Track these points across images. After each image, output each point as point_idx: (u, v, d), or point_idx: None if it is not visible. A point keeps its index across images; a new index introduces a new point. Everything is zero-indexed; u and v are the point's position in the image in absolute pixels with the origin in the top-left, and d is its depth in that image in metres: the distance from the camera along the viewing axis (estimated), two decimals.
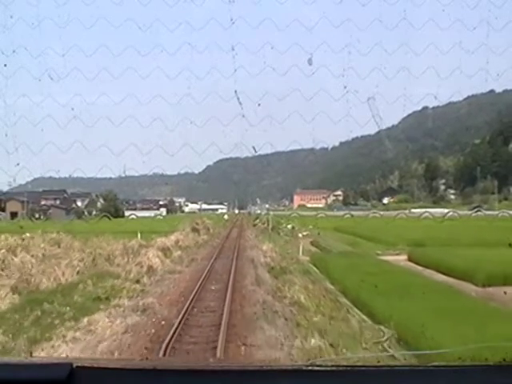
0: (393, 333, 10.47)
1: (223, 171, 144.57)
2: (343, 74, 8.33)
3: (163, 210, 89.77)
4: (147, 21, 9.23)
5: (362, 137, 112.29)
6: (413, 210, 62.06)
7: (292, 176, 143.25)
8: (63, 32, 9.27)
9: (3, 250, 22.37)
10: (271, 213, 56.18)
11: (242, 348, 10.85)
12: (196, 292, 17.02)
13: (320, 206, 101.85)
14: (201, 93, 10.02)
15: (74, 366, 1.86)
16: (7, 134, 9.00)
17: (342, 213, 57.26)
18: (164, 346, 10.69)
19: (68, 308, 14.61)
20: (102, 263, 23.25)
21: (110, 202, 72.32)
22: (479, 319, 10.69)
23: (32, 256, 21.77)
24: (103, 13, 9.25)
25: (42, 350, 10.76)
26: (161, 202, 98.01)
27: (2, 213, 60.63)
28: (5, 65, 8.12)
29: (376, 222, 46.66)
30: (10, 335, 11.64)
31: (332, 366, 1.97)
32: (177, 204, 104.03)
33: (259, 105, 8.64)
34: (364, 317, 13.08)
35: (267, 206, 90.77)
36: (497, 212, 54.42)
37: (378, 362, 2.59)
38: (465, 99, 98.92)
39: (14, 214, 54.41)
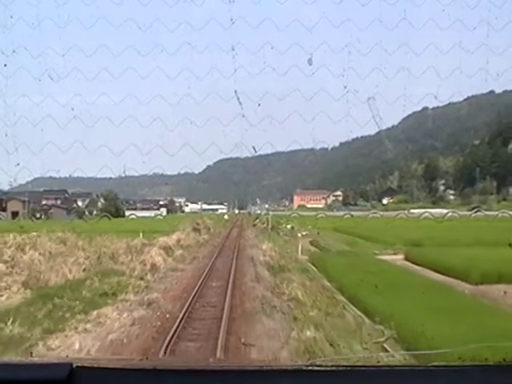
0: (385, 327, 10.72)
1: (223, 171, 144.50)
2: (343, 74, 8.31)
3: (163, 210, 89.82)
4: (147, 21, 9.21)
5: (361, 137, 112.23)
6: (412, 211, 62.24)
7: (292, 176, 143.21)
8: (63, 32, 9.26)
9: (12, 248, 23.11)
10: (271, 213, 56.26)
11: (243, 339, 11.34)
12: (198, 288, 17.54)
13: (320, 206, 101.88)
14: (201, 93, 9.99)
15: (74, 366, 1.86)
16: (7, 133, 8.98)
17: (341, 213, 57.32)
18: (169, 336, 11.14)
19: (77, 302, 15.12)
20: (106, 261, 23.82)
21: (111, 202, 72.35)
22: (467, 314, 11.08)
23: (39, 254, 22.34)
24: (103, 13, 9.23)
25: (57, 338, 11.43)
26: (161, 202, 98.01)
27: (3, 213, 60.64)
28: (5, 65, 8.08)
29: (376, 223, 46.76)
30: (26, 326, 12.17)
31: (332, 365, 1.98)
32: (177, 204, 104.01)
33: (259, 105, 8.62)
34: (359, 313, 13.35)
35: (267, 206, 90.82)
36: (496, 212, 54.50)
37: (378, 362, 2.64)
38: (465, 100, 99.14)
39: (15, 214, 54.48)
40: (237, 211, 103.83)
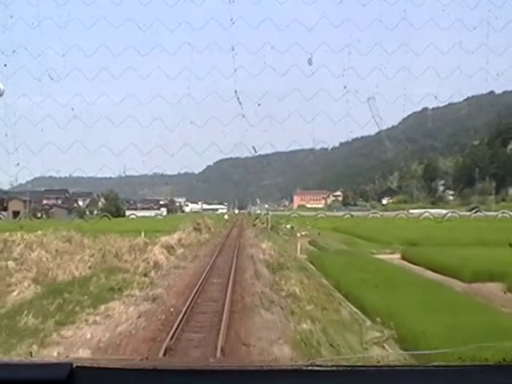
0: (378, 321, 11.01)
1: (223, 171, 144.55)
2: (343, 74, 8.26)
3: (164, 210, 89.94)
4: (147, 21, 9.16)
5: (361, 137, 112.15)
6: (411, 211, 62.36)
7: (292, 176, 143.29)
8: (63, 32, 9.20)
9: (21, 246, 23.56)
10: (271, 213, 56.39)
11: (243, 330, 11.95)
12: (200, 285, 18.09)
13: (320, 206, 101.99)
14: (201, 93, 9.93)
15: (74, 366, 1.86)
16: (7, 133, 9.02)
17: (341, 213, 57.42)
18: (174, 328, 11.67)
19: (86, 297, 15.73)
20: (111, 259, 24.43)
21: (112, 202, 72.41)
22: (457, 310, 11.41)
23: (46, 252, 22.96)
24: (103, 13, 9.17)
25: (69, 329, 12.14)
26: (161, 202, 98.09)
27: (4, 212, 60.71)
28: (5, 65, 8.00)
29: (375, 223, 46.88)
30: (40, 318, 12.78)
31: (332, 365, 1.98)
32: (177, 204, 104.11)
33: (259, 105, 8.58)
34: (354, 309, 13.62)
35: (267, 206, 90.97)
36: (496, 213, 54.57)
37: (378, 362, 2.62)
38: (465, 100, 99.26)
39: (16, 213, 54.52)
40: (237, 211, 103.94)
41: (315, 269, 22.26)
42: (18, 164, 9.46)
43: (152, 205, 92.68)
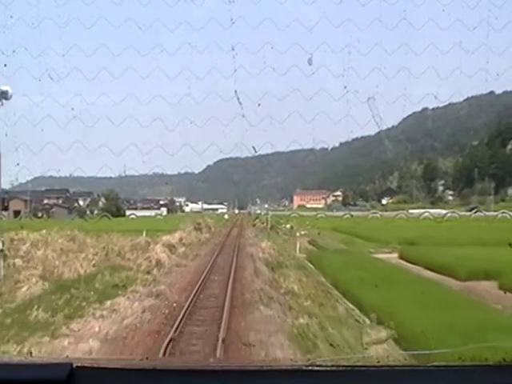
0: (373, 317, 11.29)
1: (223, 171, 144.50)
2: (343, 74, 8.38)
3: (164, 210, 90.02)
4: (147, 21, 9.26)
5: (361, 137, 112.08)
6: (410, 211, 62.49)
7: (292, 176, 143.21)
8: (63, 32, 9.30)
9: (27, 245, 23.98)
10: (270, 213, 56.52)
11: (242, 323, 12.49)
12: (201, 282, 18.65)
13: (319, 206, 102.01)
14: (201, 93, 10.11)
15: (74, 365, 1.86)
16: (7, 133, 9.14)
17: (341, 213, 57.52)
18: (177, 321, 12.20)
19: (92, 293, 16.30)
20: (114, 257, 25.07)
21: (112, 202, 72.48)
22: (451, 306, 11.66)
23: (52, 250, 23.45)
24: (103, 13, 9.27)
25: (78, 323, 12.61)
26: (161, 202, 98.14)
27: (4, 212, 60.70)
28: (5, 65, 8.12)
29: (376, 223, 47.03)
30: (50, 312, 13.37)
31: (332, 365, 1.98)
32: (177, 204, 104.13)
33: (259, 105, 8.71)
34: (351, 305, 13.90)
35: (267, 206, 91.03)
36: (496, 213, 54.67)
37: (378, 362, 2.62)
38: (465, 100, 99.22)
39: (17, 213, 54.64)
40: (237, 211, 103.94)
41: (314, 267, 22.51)
42: (18, 164, 9.62)
43: (152, 204, 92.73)
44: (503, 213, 52.04)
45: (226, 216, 78.35)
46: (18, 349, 9.96)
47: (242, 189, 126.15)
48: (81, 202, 77.86)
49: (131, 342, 10.97)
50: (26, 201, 56.81)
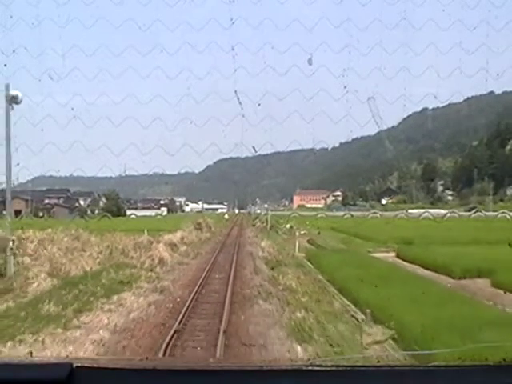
0: (369, 312, 11.62)
1: (223, 171, 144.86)
2: (343, 74, 8.46)
3: (164, 210, 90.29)
4: (147, 21, 9.20)
5: (361, 137, 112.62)
6: (410, 211, 62.80)
7: (292, 176, 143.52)
8: (63, 32, 9.32)
9: (35, 243, 24.64)
10: (270, 213, 56.69)
11: (242, 317, 12.94)
12: (203, 279, 19.14)
13: (319, 206, 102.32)
14: (201, 93, 10.08)
15: (74, 365, 1.85)
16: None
17: (341, 213, 57.74)
18: (181, 315, 12.71)
19: (99, 288, 16.93)
20: (118, 256, 25.55)
21: (112, 201, 72.67)
22: (444, 303, 11.96)
23: (58, 248, 24.02)
24: (103, 13, 9.32)
25: (87, 316, 13.14)
26: (162, 202, 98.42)
27: (5, 212, 60.80)
28: (5, 65, 8.25)
29: (376, 222, 47.19)
30: (60, 306, 13.99)
31: (332, 365, 1.98)
32: (177, 203, 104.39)
33: (259, 105, 8.74)
34: (347, 302, 14.24)
35: (267, 205, 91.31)
36: (495, 213, 54.89)
37: (378, 362, 2.62)
38: (465, 100, 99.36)
39: (17, 213, 54.84)
40: (237, 211, 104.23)
41: (312, 266, 22.76)
42: (18, 164, 9.76)
43: (152, 204, 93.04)
44: (503, 213, 52.35)
45: (226, 216, 78.56)
46: (34, 338, 10.64)
47: (241, 189, 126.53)
48: (81, 202, 78.10)
49: (139, 333, 11.47)
50: (26, 200, 56.96)
